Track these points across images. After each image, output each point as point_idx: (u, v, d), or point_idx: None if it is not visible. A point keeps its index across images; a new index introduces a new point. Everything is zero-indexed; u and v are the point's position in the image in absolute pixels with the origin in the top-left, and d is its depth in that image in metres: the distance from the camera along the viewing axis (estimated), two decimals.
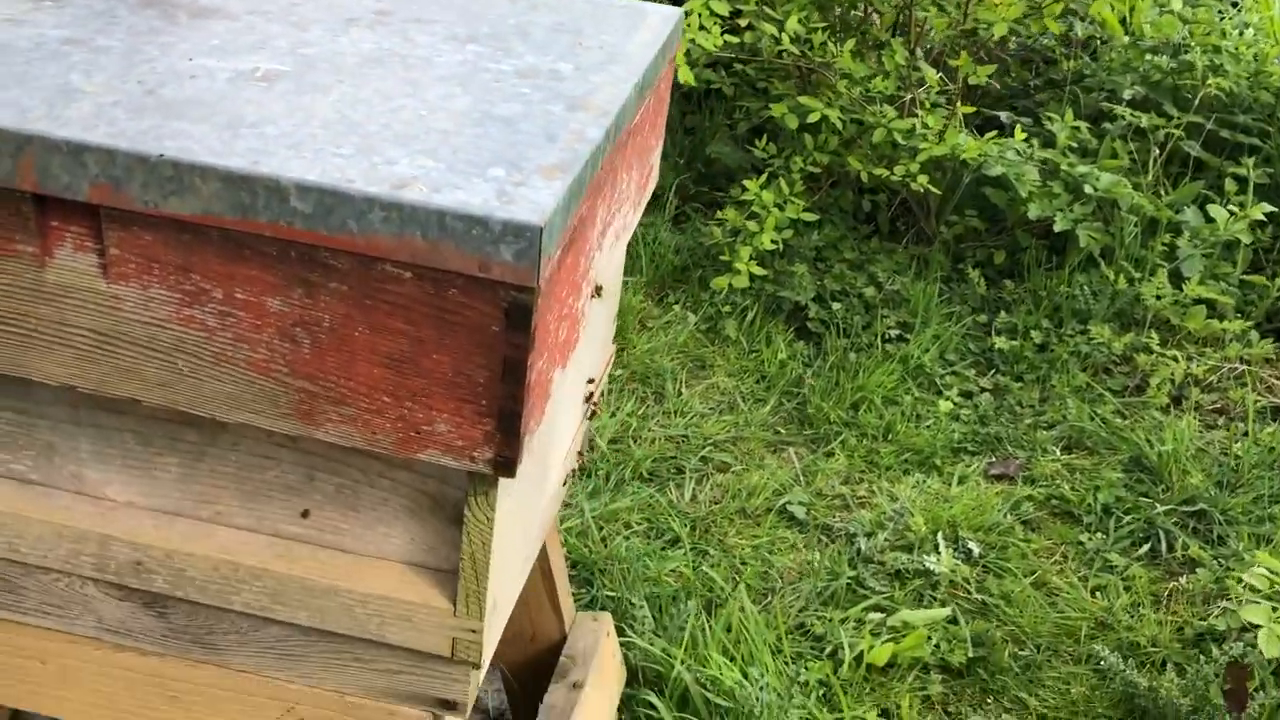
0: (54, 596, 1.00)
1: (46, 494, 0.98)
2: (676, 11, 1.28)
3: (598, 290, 1.03)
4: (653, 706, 1.67)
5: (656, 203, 3.23)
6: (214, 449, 0.94)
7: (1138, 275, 2.84)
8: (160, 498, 0.97)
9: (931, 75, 2.88)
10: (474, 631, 0.94)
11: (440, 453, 0.84)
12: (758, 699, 1.68)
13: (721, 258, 2.80)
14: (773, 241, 2.74)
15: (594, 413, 1.29)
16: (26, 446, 0.97)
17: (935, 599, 2.00)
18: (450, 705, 0.99)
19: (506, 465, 0.83)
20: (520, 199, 0.77)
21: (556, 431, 1.11)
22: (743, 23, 2.96)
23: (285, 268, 0.79)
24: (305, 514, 0.96)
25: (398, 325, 0.79)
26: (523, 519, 1.04)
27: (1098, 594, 2.05)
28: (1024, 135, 2.84)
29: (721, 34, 2.83)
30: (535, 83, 0.99)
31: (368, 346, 0.80)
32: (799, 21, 2.83)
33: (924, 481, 2.29)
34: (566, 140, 0.88)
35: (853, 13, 3.15)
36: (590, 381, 1.23)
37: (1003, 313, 2.82)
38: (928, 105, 2.94)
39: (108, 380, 0.86)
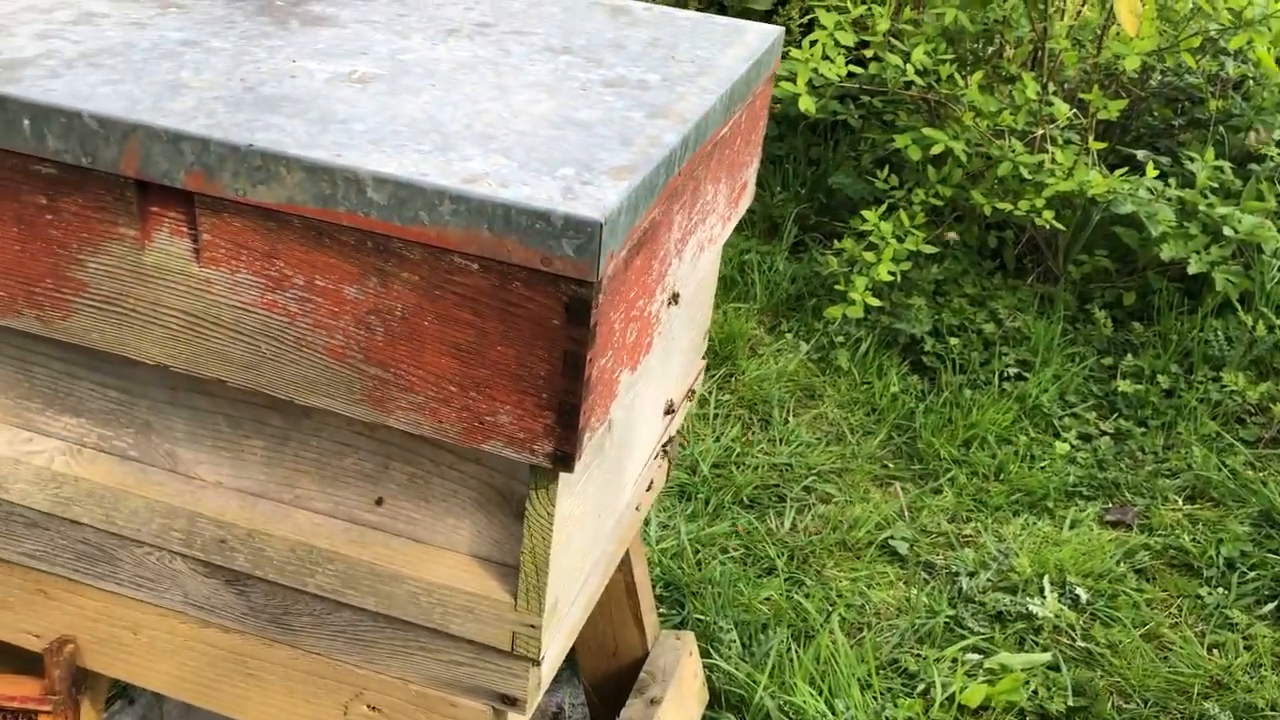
0: (146, 570, 1.06)
1: (143, 470, 1.03)
2: (776, 30, 1.28)
3: (675, 298, 1.04)
4: None
5: (775, 232, 3.23)
6: (297, 434, 0.98)
7: (1279, 322, 2.71)
8: (246, 479, 1.01)
9: (1063, 110, 2.81)
10: (533, 627, 0.95)
11: (502, 444, 0.85)
12: None
13: (837, 287, 2.77)
14: (890, 273, 2.70)
15: (679, 425, 1.30)
16: (127, 424, 1.03)
17: (1037, 644, 1.93)
18: (511, 701, 1.00)
19: (565, 460, 0.84)
20: (585, 196, 0.79)
21: (632, 439, 1.12)
22: (869, 54, 2.95)
23: (361, 257, 0.82)
24: (379, 502, 0.98)
25: (465, 316, 0.82)
26: (591, 522, 1.05)
27: (1215, 651, 1.95)
28: (1156, 172, 2.74)
29: (846, 64, 2.82)
30: (620, 91, 1.00)
31: (436, 336, 0.83)
32: (926, 53, 2.80)
33: (1034, 524, 2.22)
34: (640, 145, 0.89)
35: (983, 45, 3.10)
36: (671, 408, 1.24)
37: (1129, 355, 2.71)
38: (1060, 141, 2.87)
39: (197, 360, 0.90)
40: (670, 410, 1.27)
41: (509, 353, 0.82)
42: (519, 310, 0.80)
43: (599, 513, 1.06)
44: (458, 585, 0.95)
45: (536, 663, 0.98)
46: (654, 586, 1.99)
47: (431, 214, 0.79)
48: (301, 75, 0.94)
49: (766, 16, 3.90)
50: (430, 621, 0.98)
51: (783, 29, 1.30)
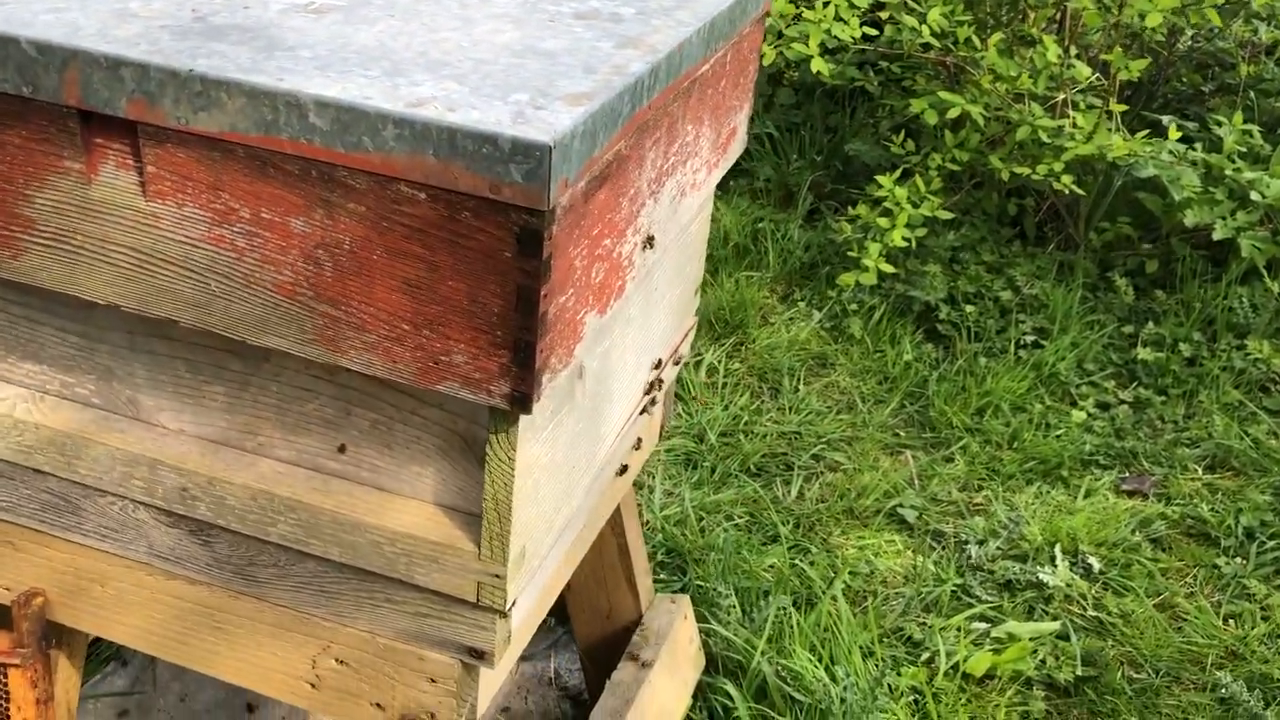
0: (110, 520, 1.03)
1: (105, 418, 1.01)
2: None
3: (649, 241, 1.00)
4: (729, 695, 1.62)
5: (790, 200, 3.18)
6: (257, 379, 0.95)
7: None
8: (207, 426, 0.99)
9: (1084, 72, 2.73)
10: (498, 577, 0.92)
11: (458, 385, 0.82)
12: (840, 698, 1.60)
13: (850, 254, 2.72)
14: (905, 239, 2.65)
15: (660, 382, 1.26)
16: (88, 371, 1.00)
17: (1046, 613, 1.88)
18: (479, 654, 0.97)
19: (522, 401, 0.81)
20: (536, 120, 0.75)
21: (609, 390, 1.08)
22: (885, 15, 2.89)
23: (307, 187, 0.79)
24: (342, 449, 0.96)
25: (414, 249, 0.78)
26: (563, 473, 1.01)
27: (1230, 621, 1.89)
28: (1179, 135, 2.66)
29: (860, 25, 2.76)
30: (591, 23, 0.96)
31: (386, 271, 0.80)
32: (943, 15, 2.74)
33: (1047, 492, 2.17)
34: (604, 73, 0.85)
35: (1004, 9, 3.03)
36: (659, 364, 1.20)
37: (1150, 324, 2.65)
38: (1082, 106, 2.79)
39: (147, 299, 0.87)
40: (658, 365, 1.23)
41: (460, 287, 0.78)
42: (469, 242, 0.77)
43: (572, 464, 1.03)
44: (421, 534, 0.93)
45: (504, 614, 0.95)
46: (656, 554, 1.96)
47: (375, 139, 0.75)
48: (256, 6, 0.91)
49: None
50: (395, 572, 0.95)
51: None
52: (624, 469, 1.24)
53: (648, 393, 1.21)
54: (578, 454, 1.04)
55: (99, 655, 1.65)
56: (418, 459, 0.94)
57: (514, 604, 0.95)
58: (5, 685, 1.10)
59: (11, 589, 1.11)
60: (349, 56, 0.82)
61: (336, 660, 1.02)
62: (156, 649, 1.09)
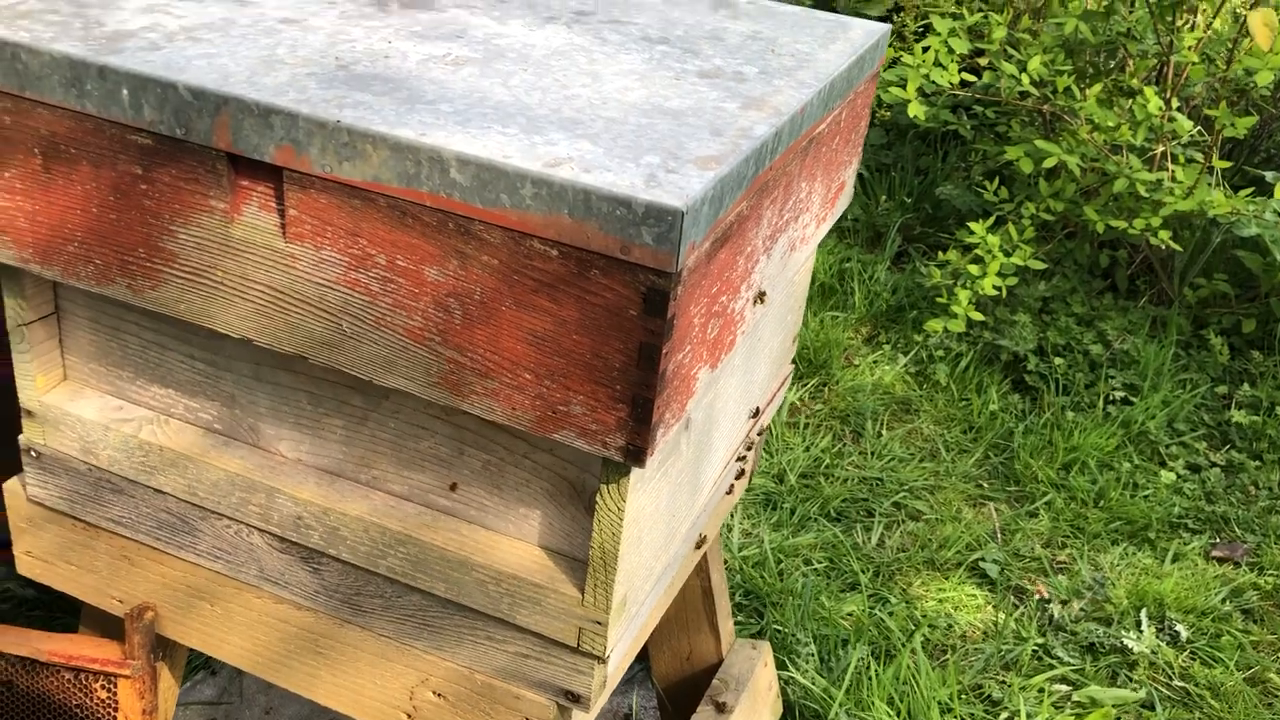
0: (224, 542, 1.07)
1: (226, 443, 1.05)
2: (882, 28, 1.25)
3: (761, 296, 1.01)
4: None
5: (878, 241, 3.17)
6: (376, 414, 0.98)
7: None
8: (325, 457, 1.02)
9: (1185, 126, 2.70)
10: (599, 624, 0.93)
11: (574, 435, 0.84)
12: None
13: (939, 300, 2.71)
14: (995, 287, 2.63)
15: (761, 431, 1.27)
16: (213, 397, 1.04)
17: (1130, 679, 1.84)
18: (575, 698, 0.99)
19: (637, 455, 0.82)
20: (668, 184, 0.77)
21: (711, 440, 1.10)
22: (983, 63, 2.88)
23: (443, 238, 0.81)
24: (453, 487, 0.98)
25: (542, 302, 0.80)
26: (664, 522, 1.02)
27: None
28: None
29: (960, 71, 2.75)
30: (715, 82, 0.98)
31: (513, 321, 0.82)
32: (1043, 64, 2.72)
33: (1133, 554, 2.13)
34: (731, 135, 0.87)
35: (1104, 58, 3.00)
36: (757, 412, 1.21)
37: (1246, 385, 2.59)
38: (1181, 159, 2.75)
39: (280, 335, 0.90)
40: (755, 415, 1.24)
41: (585, 342, 0.80)
42: (596, 299, 0.79)
43: (673, 512, 1.04)
44: (526, 576, 0.94)
45: (602, 660, 0.96)
46: (734, 594, 1.96)
47: (513, 197, 0.78)
48: (396, 56, 0.94)
49: (882, 22, 3.84)
50: (498, 611, 0.97)
51: (888, 26, 1.26)
52: (714, 513, 1.25)
53: (746, 445, 1.22)
54: (679, 502, 1.05)
55: (189, 663, 1.70)
56: (526, 501, 0.96)
57: (612, 650, 0.97)
58: (115, 695, 1.14)
59: (125, 601, 1.16)
60: (487, 111, 0.85)
61: (434, 693, 1.04)
62: (258, 668, 1.12)
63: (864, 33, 1.21)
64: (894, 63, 2.79)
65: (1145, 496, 2.28)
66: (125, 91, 0.86)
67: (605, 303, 0.79)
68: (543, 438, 0.90)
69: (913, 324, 2.80)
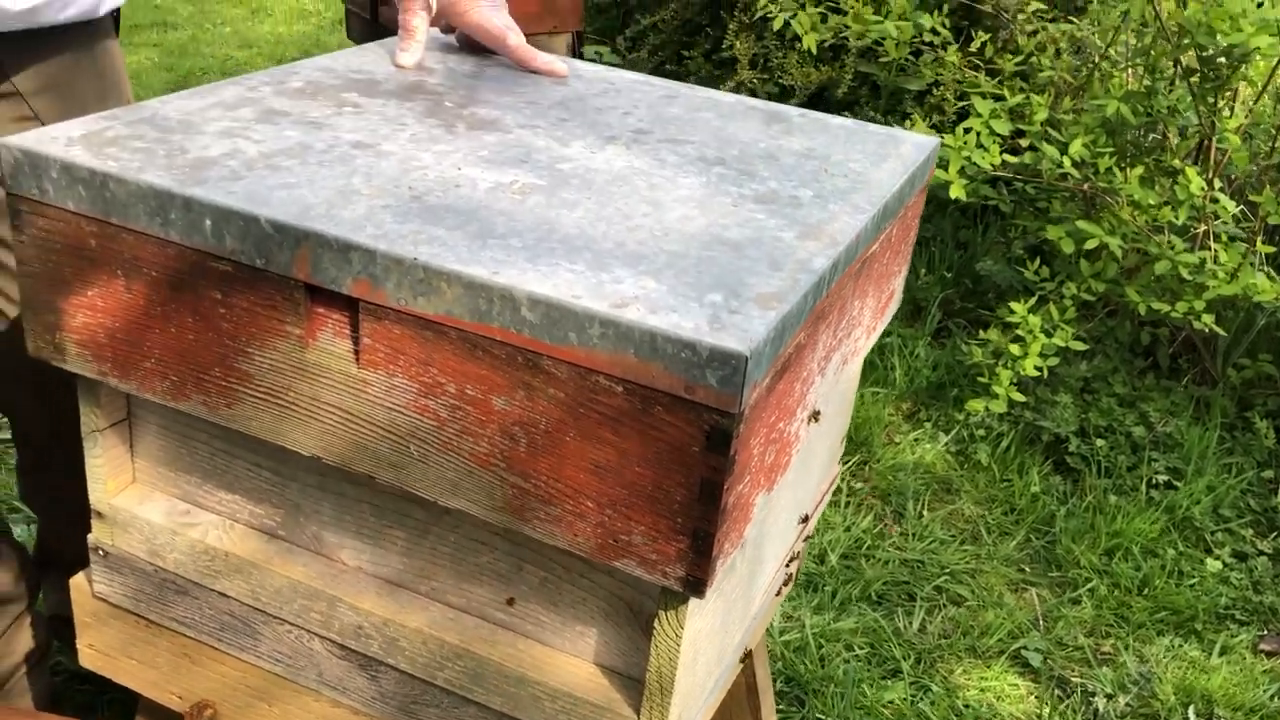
0: (284, 646, 1.09)
1: (289, 550, 1.07)
2: (932, 142, 1.28)
3: (815, 416, 1.03)
4: None
5: (918, 315, 3.18)
6: (437, 528, 1.00)
7: None
8: (385, 567, 1.04)
9: (1228, 208, 2.70)
10: None
11: (634, 563, 0.86)
12: None
13: (980, 379, 2.71)
14: (1036, 368, 2.63)
15: (809, 536, 1.28)
16: (278, 505, 1.07)
17: None
18: None
19: (697, 586, 0.84)
20: (732, 327, 0.79)
21: (763, 553, 1.11)
22: (1024, 143, 2.90)
23: (511, 371, 0.84)
24: (510, 602, 1.00)
25: (606, 435, 0.83)
26: (718, 639, 1.04)
27: None
28: None
29: (1001, 153, 2.77)
30: (771, 208, 1.01)
31: (577, 452, 0.84)
32: (1084, 145, 2.74)
33: (1180, 646, 2.11)
34: (790, 269, 0.89)
35: (1145, 135, 3.01)
36: (805, 518, 1.22)
37: None
38: (1224, 239, 2.75)
39: (349, 456, 0.93)
40: (804, 520, 1.26)
41: (647, 475, 0.82)
42: (659, 434, 0.81)
43: (727, 629, 1.05)
44: (581, 694, 0.96)
45: None
46: (775, 681, 1.96)
47: (581, 335, 0.80)
48: (465, 184, 0.97)
49: (920, 96, 3.88)
50: None
51: (938, 141, 1.29)
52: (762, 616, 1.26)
53: (795, 551, 1.23)
54: (732, 618, 1.07)
55: None
56: (583, 619, 0.97)
57: None
58: None
59: (184, 698, 1.18)
60: (555, 246, 0.88)
61: None
62: None
63: (914, 148, 1.24)
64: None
65: (1191, 585, 2.26)
66: (209, 222, 0.90)
67: (668, 438, 0.81)
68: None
69: (954, 402, 2.80)
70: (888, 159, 1.19)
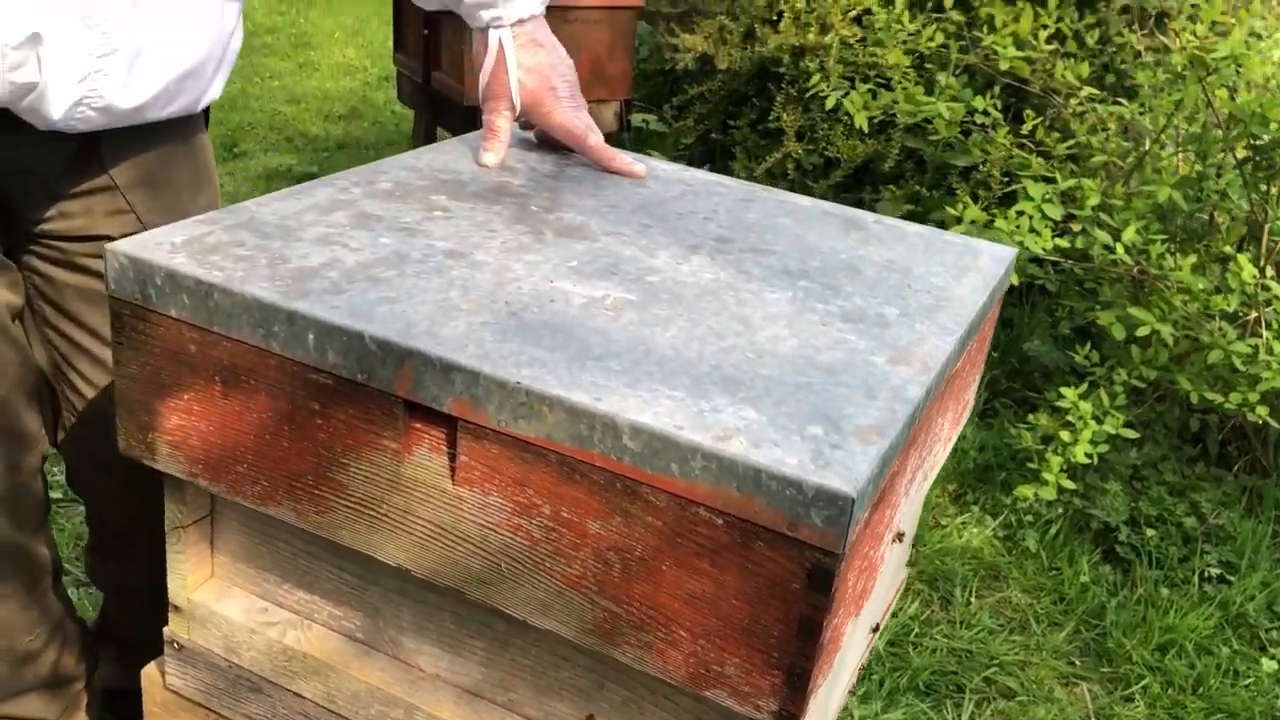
0: None
1: (366, 653, 1.07)
2: (1009, 253, 1.28)
3: (899, 536, 1.03)
4: None
5: None
6: (519, 641, 1.00)
7: None
8: (464, 676, 1.04)
9: None
10: None
11: (726, 694, 0.85)
12: None
13: (1029, 465, 2.69)
14: (1087, 455, 2.61)
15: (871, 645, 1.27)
16: (358, 608, 1.07)
17: None
18: None
19: (789, 719, 0.84)
20: (835, 463, 0.79)
21: (841, 670, 1.10)
22: (1076, 227, 2.90)
23: (609, 496, 0.84)
24: (590, 718, 0.99)
25: (703, 566, 0.83)
26: None
27: None
28: None
29: (1052, 236, 2.77)
30: (860, 328, 1.01)
31: (672, 580, 0.84)
32: (1136, 232, 2.74)
33: None
34: (886, 399, 0.89)
35: (1194, 219, 3.01)
36: (877, 627, 1.22)
37: None
38: (1275, 327, 2.74)
39: (439, 570, 0.94)
40: (875, 629, 1.25)
41: (744, 608, 0.82)
42: (759, 569, 0.81)
43: None
44: None
45: None
46: None
47: (683, 467, 0.81)
48: (560, 299, 0.99)
49: (966, 172, 3.89)
50: None
51: (1015, 250, 1.29)
52: None
53: (866, 654, 1.22)
54: None
55: None
56: None
57: None
58: None
59: None
60: (653, 369, 0.89)
61: None
62: None
63: (992, 260, 1.24)
64: (987, 225, 2.82)
65: (1246, 686, 2.22)
66: (312, 336, 0.91)
67: (768, 573, 0.81)
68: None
69: (1001, 485, 2.78)
70: (968, 272, 1.20)
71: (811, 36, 3.99)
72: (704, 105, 4.33)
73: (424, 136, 4.37)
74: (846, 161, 3.93)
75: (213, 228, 1.04)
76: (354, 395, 0.92)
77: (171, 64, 1.21)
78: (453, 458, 0.90)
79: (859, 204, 4.17)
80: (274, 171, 4.61)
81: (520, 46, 1.30)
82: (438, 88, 4.06)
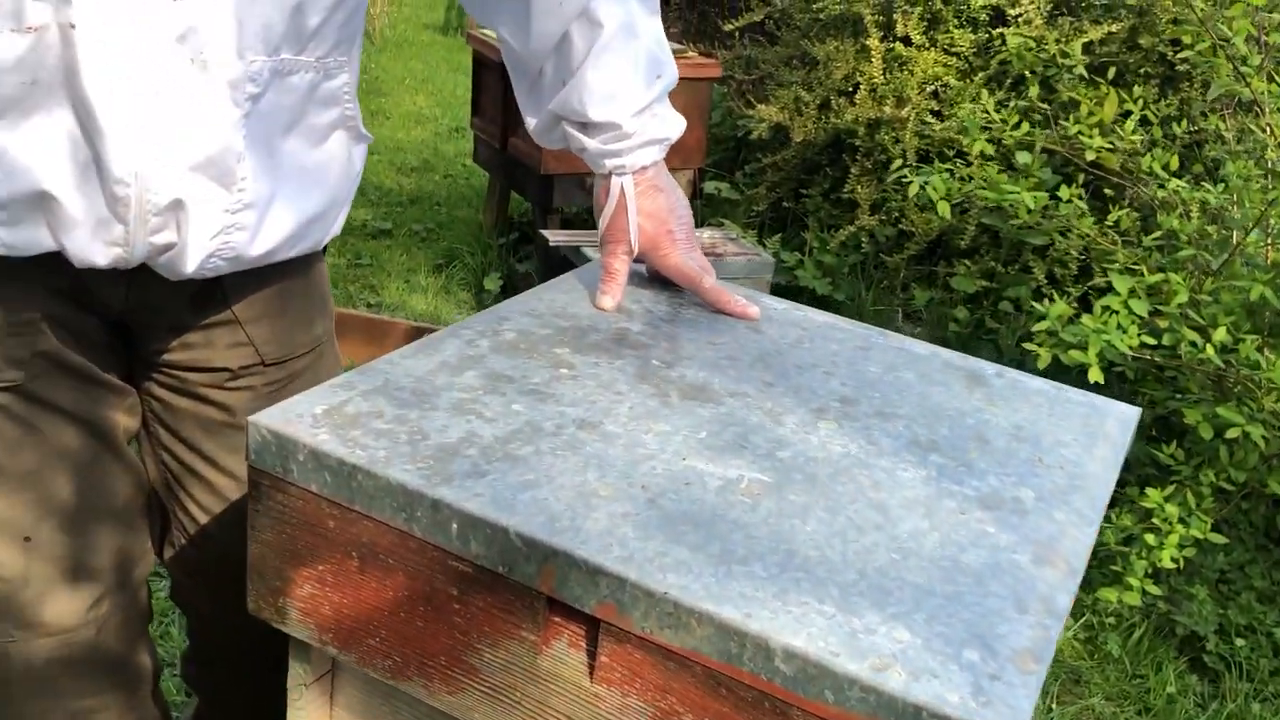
0: None
1: None
2: (1133, 414, 1.26)
3: None
4: None
5: None
6: None
7: None
8: None
9: None
10: None
11: None
12: None
13: (1112, 566, 2.64)
14: (1173, 559, 2.56)
15: None
16: None
17: None
18: None
19: None
20: (996, 700, 0.78)
21: None
22: (1162, 323, 2.86)
23: (756, 714, 0.83)
24: None
25: None
26: None
27: None
28: None
29: (1139, 333, 2.73)
30: (999, 515, 1.00)
31: None
32: (1227, 330, 2.69)
33: None
34: (1037, 612, 0.88)
35: None
36: None
37: None
38: None
39: None
40: None
41: None
42: None
43: None
44: None
45: None
46: None
47: (838, 695, 0.79)
48: (695, 481, 0.98)
49: (1042, 250, 3.86)
50: None
51: (1139, 410, 1.27)
52: None
53: None
54: None
55: None
56: None
57: None
58: None
59: None
60: (799, 577, 0.87)
61: None
62: None
63: (1120, 425, 1.22)
64: (1070, 320, 2.79)
65: None
66: (455, 525, 0.91)
67: None
68: None
69: (1083, 584, 2.73)
70: (1097, 441, 1.18)
71: (888, 109, 3.99)
72: (776, 174, 4.33)
73: (498, 200, 4.41)
74: (921, 235, 3.91)
75: (350, 394, 1.05)
76: (494, 585, 0.92)
77: (301, 211, 1.23)
78: (592, 655, 0.89)
79: (932, 277, 4.15)
80: (348, 226, 4.67)
81: (641, 192, 1.31)
82: (514, 154, 4.10)
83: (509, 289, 4.15)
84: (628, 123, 1.27)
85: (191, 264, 1.15)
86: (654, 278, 1.42)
